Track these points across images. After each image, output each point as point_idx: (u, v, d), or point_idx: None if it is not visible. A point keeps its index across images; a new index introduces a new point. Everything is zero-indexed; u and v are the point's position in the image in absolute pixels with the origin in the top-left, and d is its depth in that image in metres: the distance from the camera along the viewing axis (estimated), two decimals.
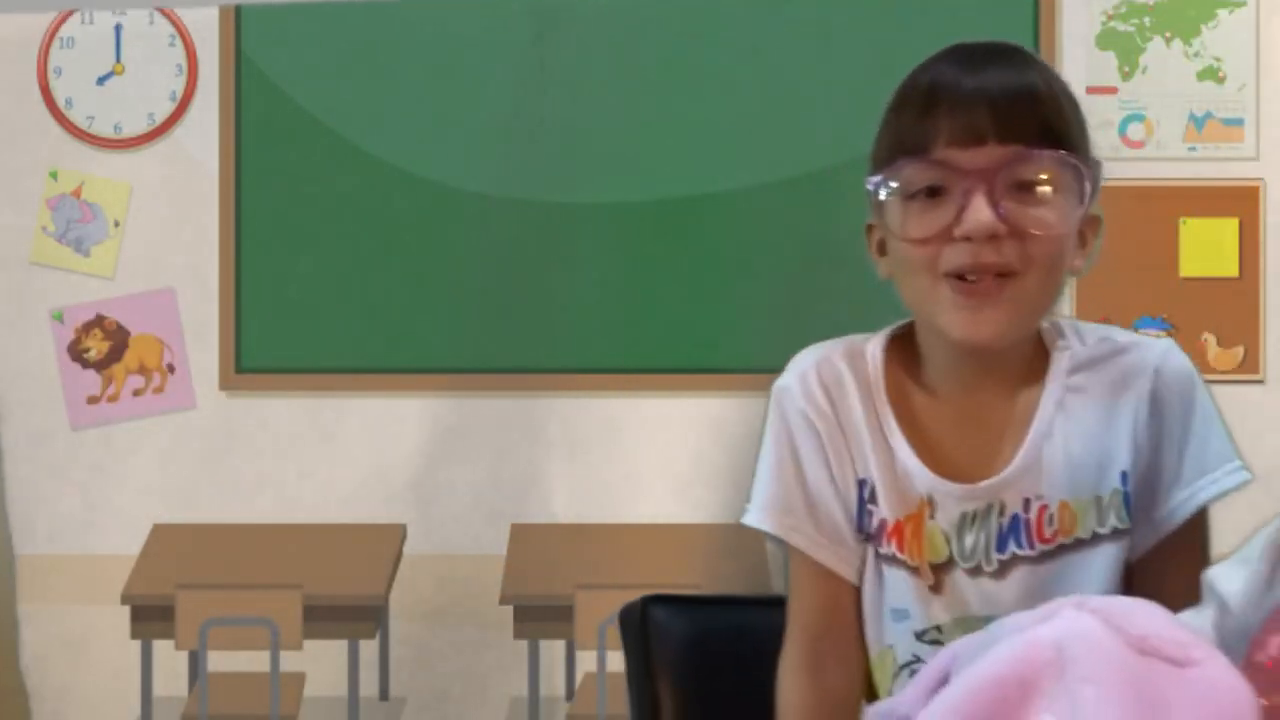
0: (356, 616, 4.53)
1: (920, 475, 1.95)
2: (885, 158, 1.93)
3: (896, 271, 1.93)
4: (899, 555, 1.97)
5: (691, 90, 4.92)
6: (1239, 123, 4.86)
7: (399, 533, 4.82)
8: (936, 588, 1.95)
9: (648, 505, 4.89)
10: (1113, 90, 4.92)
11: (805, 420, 2.00)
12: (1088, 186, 1.89)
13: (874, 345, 2.01)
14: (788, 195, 4.79)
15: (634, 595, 2.27)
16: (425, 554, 4.87)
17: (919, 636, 1.95)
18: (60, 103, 4.95)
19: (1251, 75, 4.83)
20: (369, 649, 4.75)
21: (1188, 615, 1.61)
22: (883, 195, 1.91)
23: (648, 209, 4.91)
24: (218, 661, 4.46)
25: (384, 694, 4.93)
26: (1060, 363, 1.97)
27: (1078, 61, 4.91)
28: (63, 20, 4.94)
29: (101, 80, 4.96)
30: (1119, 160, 4.93)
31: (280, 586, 4.36)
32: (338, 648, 4.57)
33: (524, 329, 4.92)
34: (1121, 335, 1.99)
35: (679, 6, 4.92)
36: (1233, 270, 4.88)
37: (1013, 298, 1.88)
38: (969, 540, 1.93)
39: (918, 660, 1.94)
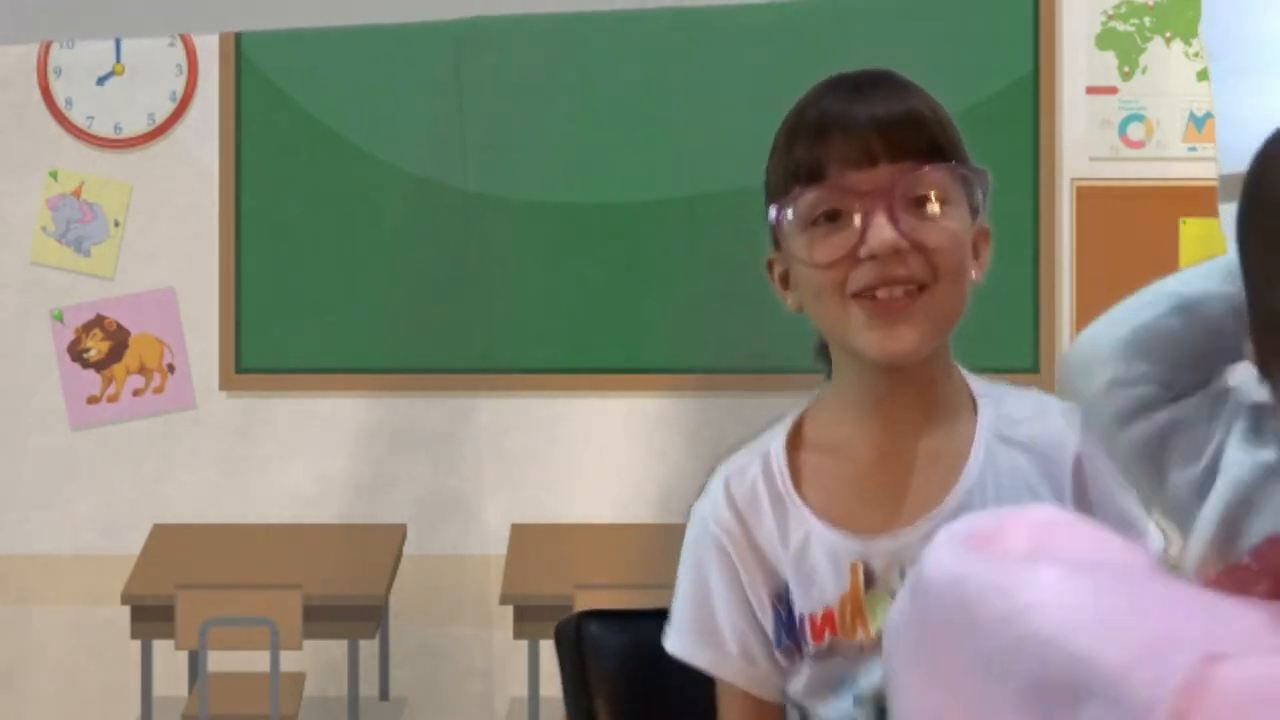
0: (356, 616, 4.53)
1: (844, 547, 1.95)
2: (782, 188, 1.98)
3: (806, 300, 1.97)
4: (838, 640, 1.96)
5: (676, 96, 4.92)
6: None
7: (399, 533, 4.82)
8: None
9: (645, 506, 4.89)
10: (1113, 90, 4.92)
11: (716, 544, 2.00)
12: (979, 196, 1.95)
13: (777, 440, 2.02)
14: (732, 202, 4.79)
15: (634, 595, 2.27)
16: (425, 554, 4.87)
17: (857, 701, 1.95)
18: (60, 103, 4.95)
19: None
20: (369, 649, 4.75)
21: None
22: (785, 225, 1.96)
23: (647, 209, 4.91)
24: (218, 661, 4.46)
25: (384, 694, 4.93)
26: (987, 410, 1.99)
27: (1078, 61, 4.91)
28: None
29: (101, 80, 4.96)
30: (1119, 160, 4.93)
31: (280, 586, 4.36)
32: (338, 648, 4.58)
33: (525, 329, 4.92)
34: (1038, 400, 2.02)
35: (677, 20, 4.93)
36: None
37: (924, 310, 1.92)
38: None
39: None
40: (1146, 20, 4.92)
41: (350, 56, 4.94)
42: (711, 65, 4.92)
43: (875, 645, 1.92)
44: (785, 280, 2.01)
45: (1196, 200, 4.87)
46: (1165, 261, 4.91)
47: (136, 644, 4.55)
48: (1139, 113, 4.92)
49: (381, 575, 4.59)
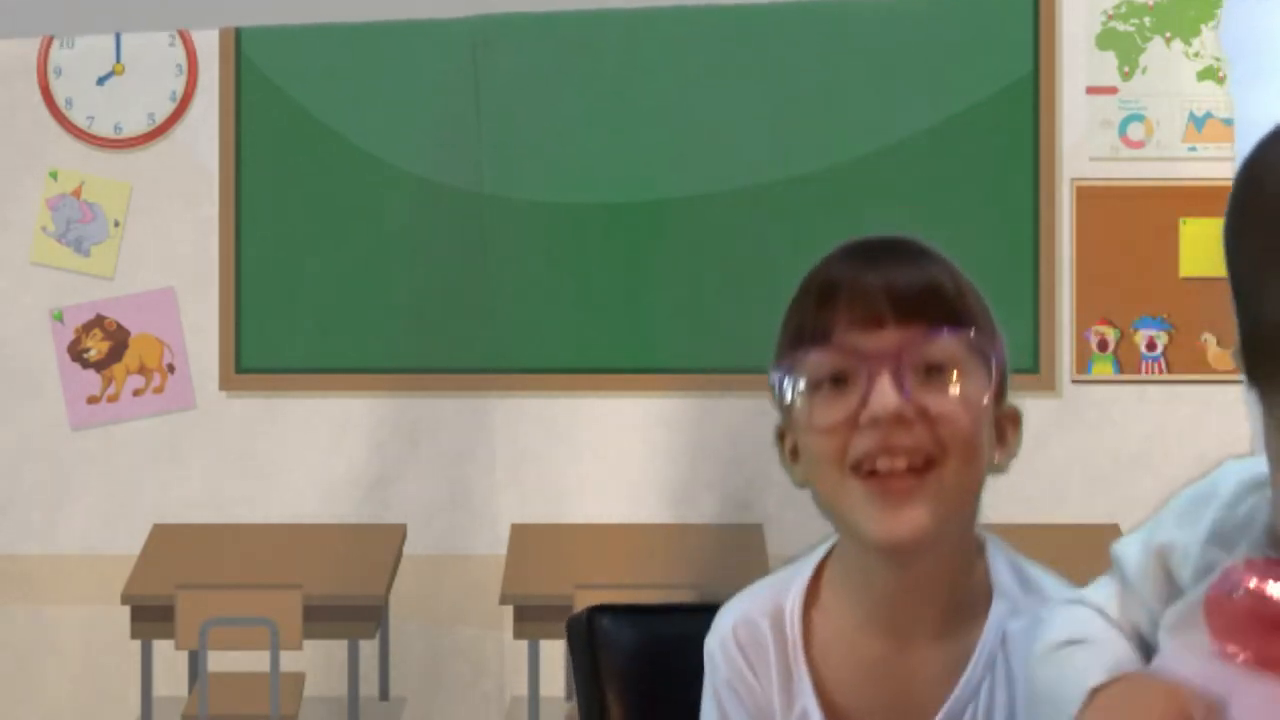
0: (356, 616, 4.53)
1: None
2: (787, 349, 1.87)
3: (810, 472, 1.85)
4: None
5: (684, 96, 4.92)
6: None
7: (399, 533, 4.82)
8: None
9: (649, 506, 4.89)
10: (1113, 90, 4.92)
11: (730, 688, 1.95)
12: (995, 370, 1.83)
13: (794, 597, 1.94)
14: (739, 202, 4.79)
15: (635, 595, 2.28)
16: (425, 554, 4.87)
17: None
18: (60, 103, 4.95)
19: (1251, 75, 4.83)
20: (369, 649, 4.75)
21: (1094, 587, 1.62)
22: (787, 389, 1.85)
23: (650, 209, 4.91)
24: (218, 661, 4.46)
25: (384, 694, 4.93)
26: (999, 611, 1.87)
27: (1078, 61, 4.91)
28: None
29: (101, 80, 4.96)
30: (1119, 160, 4.93)
31: (280, 586, 4.36)
32: (338, 648, 4.58)
33: (527, 329, 4.92)
34: (1035, 574, 1.91)
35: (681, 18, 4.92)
36: None
37: (932, 491, 1.79)
38: None
39: None
40: (1146, 20, 4.92)
41: (350, 56, 4.94)
42: (720, 66, 4.91)
43: None
44: (795, 453, 1.88)
45: (1196, 200, 4.87)
46: (1165, 261, 4.91)
47: (136, 644, 4.55)
48: (1139, 113, 4.92)
49: (381, 575, 4.59)
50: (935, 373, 1.80)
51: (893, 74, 4.86)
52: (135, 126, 4.96)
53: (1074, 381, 4.87)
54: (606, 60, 4.94)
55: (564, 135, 4.93)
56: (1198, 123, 4.91)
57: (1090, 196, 4.90)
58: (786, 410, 1.86)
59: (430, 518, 4.93)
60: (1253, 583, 1.44)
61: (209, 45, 4.94)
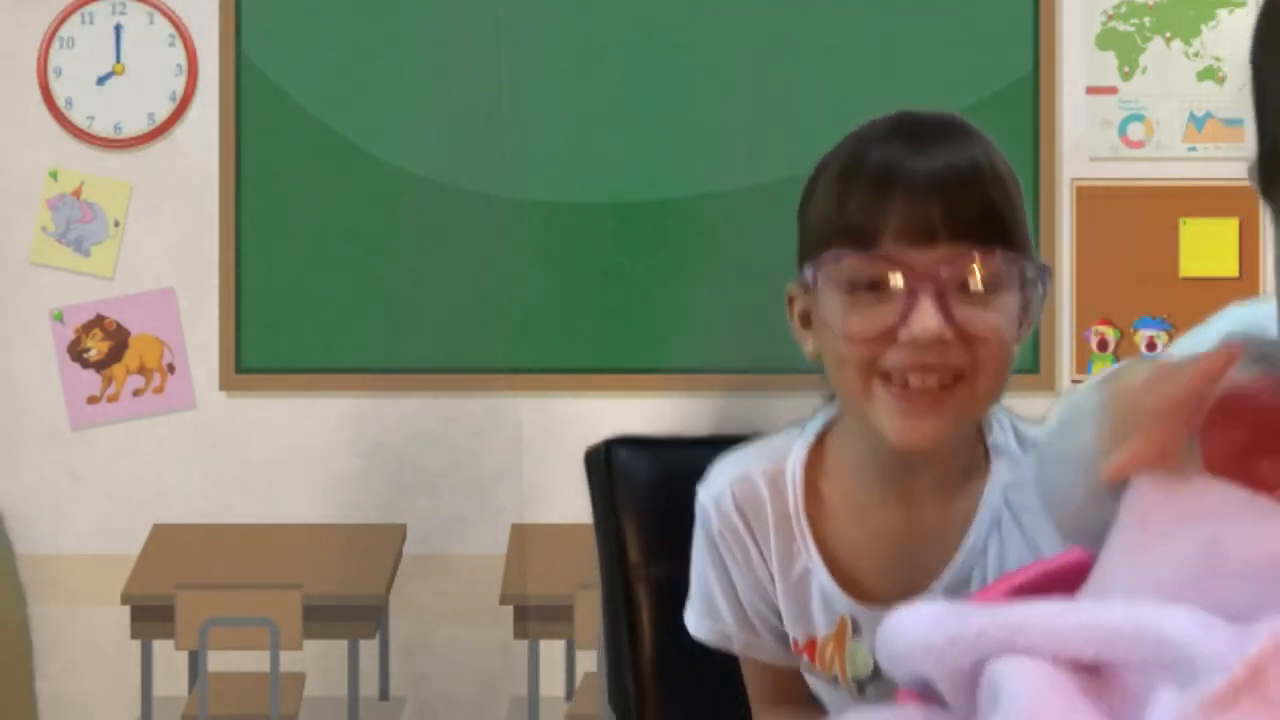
0: (356, 616, 4.53)
1: (839, 599, 1.88)
2: (823, 239, 1.79)
3: (827, 359, 1.81)
4: (813, 669, 1.93)
5: (674, 92, 4.92)
6: (1239, 123, 4.86)
7: (399, 533, 4.82)
8: (860, 692, 1.91)
9: None
10: (1113, 90, 4.92)
11: (724, 540, 1.94)
12: (1041, 290, 1.80)
13: (794, 459, 1.91)
14: (741, 201, 4.79)
15: None
16: (425, 554, 4.87)
17: None
18: (60, 103, 4.95)
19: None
20: (369, 649, 4.75)
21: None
22: (820, 279, 1.78)
23: (651, 208, 4.91)
24: (218, 661, 4.46)
25: (384, 694, 4.93)
26: (999, 471, 1.86)
27: (1078, 61, 4.91)
28: (63, 20, 4.95)
29: (101, 80, 4.96)
30: (1119, 160, 4.93)
31: (280, 586, 4.36)
32: (338, 648, 4.58)
33: (527, 328, 4.92)
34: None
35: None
36: (1233, 270, 4.88)
37: (957, 404, 1.77)
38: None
39: None
40: (1146, 20, 4.92)
41: (351, 56, 4.94)
42: (720, 65, 4.92)
43: (849, 687, 1.91)
44: (806, 320, 1.84)
45: (1196, 200, 4.87)
46: (1165, 261, 4.91)
47: (136, 644, 4.55)
48: (1139, 113, 4.92)
49: (381, 575, 4.59)
50: (978, 291, 1.75)
51: (892, 73, 4.86)
52: (135, 126, 4.96)
53: (1074, 381, 4.87)
54: (608, 60, 4.94)
55: (565, 135, 4.93)
56: (1198, 123, 4.91)
57: (1090, 196, 4.90)
58: (811, 294, 1.80)
59: (430, 518, 4.93)
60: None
61: (209, 45, 4.95)
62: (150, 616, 4.43)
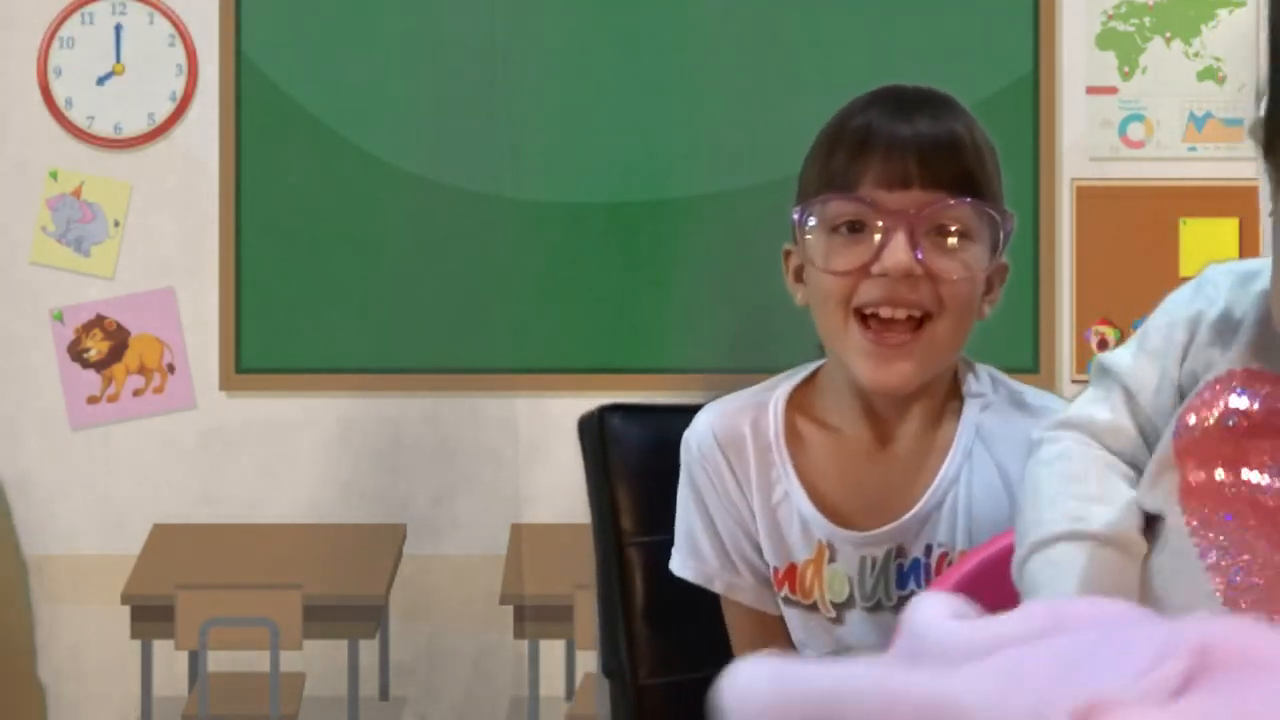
0: (356, 616, 4.53)
1: (817, 523, 2.00)
2: (812, 191, 1.98)
3: (813, 301, 1.99)
4: (792, 597, 2.03)
5: (671, 91, 4.92)
6: (1239, 123, 4.86)
7: (399, 533, 4.82)
8: (838, 620, 2.01)
9: None
10: (1113, 90, 4.92)
11: (705, 476, 2.06)
12: (1000, 236, 1.97)
13: (778, 396, 2.07)
14: (745, 202, 4.79)
15: None
16: (425, 554, 4.87)
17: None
18: (60, 103, 4.95)
19: (1251, 75, 4.83)
20: (369, 649, 4.75)
21: (1086, 404, 1.63)
22: (806, 225, 1.97)
23: (652, 208, 4.91)
24: (218, 661, 4.46)
25: (384, 694, 4.93)
26: (972, 410, 2.01)
27: (1078, 61, 4.91)
28: (63, 20, 4.95)
29: (101, 80, 4.96)
30: (1119, 160, 4.93)
31: (280, 586, 4.36)
32: (338, 648, 4.58)
33: (527, 328, 4.92)
34: (1032, 396, 2.05)
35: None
36: None
37: (924, 345, 1.93)
38: (869, 582, 1.99)
39: None
40: (1146, 20, 4.92)
41: (351, 56, 4.94)
42: (720, 64, 4.92)
43: (828, 614, 2.02)
44: (799, 275, 2.03)
45: (1196, 200, 4.87)
46: (1165, 261, 4.91)
47: (136, 644, 4.55)
48: (1139, 113, 4.92)
49: (381, 575, 4.59)
50: (946, 233, 1.94)
51: (892, 73, 4.85)
52: (135, 126, 4.96)
53: (1074, 381, 4.87)
54: (606, 60, 4.94)
55: (564, 136, 4.93)
56: (1198, 123, 4.91)
57: (1090, 196, 4.90)
58: (802, 241, 2.00)
59: (430, 518, 4.93)
60: (1225, 402, 1.45)
61: (209, 45, 4.95)
62: (150, 616, 4.44)
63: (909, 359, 1.93)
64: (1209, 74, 4.90)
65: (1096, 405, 1.62)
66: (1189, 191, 4.88)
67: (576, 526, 4.87)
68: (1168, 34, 4.91)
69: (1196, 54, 4.90)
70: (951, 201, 1.93)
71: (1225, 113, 4.88)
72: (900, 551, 2.00)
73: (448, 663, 4.97)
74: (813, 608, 2.02)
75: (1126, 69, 4.92)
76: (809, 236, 1.98)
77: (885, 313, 1.92)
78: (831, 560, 2.00)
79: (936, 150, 1.95)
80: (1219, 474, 1.44)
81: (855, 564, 1.99)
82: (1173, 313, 1.59)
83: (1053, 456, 1.60)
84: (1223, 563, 1.41)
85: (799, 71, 4.89)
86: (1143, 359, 1.59)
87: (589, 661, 4.44)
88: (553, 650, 4.70)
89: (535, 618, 4.46)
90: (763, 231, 4.95)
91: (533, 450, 4.93)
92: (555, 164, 4.93)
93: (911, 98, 2.03)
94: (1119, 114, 4.92)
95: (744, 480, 2.04)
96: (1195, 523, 1.45)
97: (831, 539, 2.00)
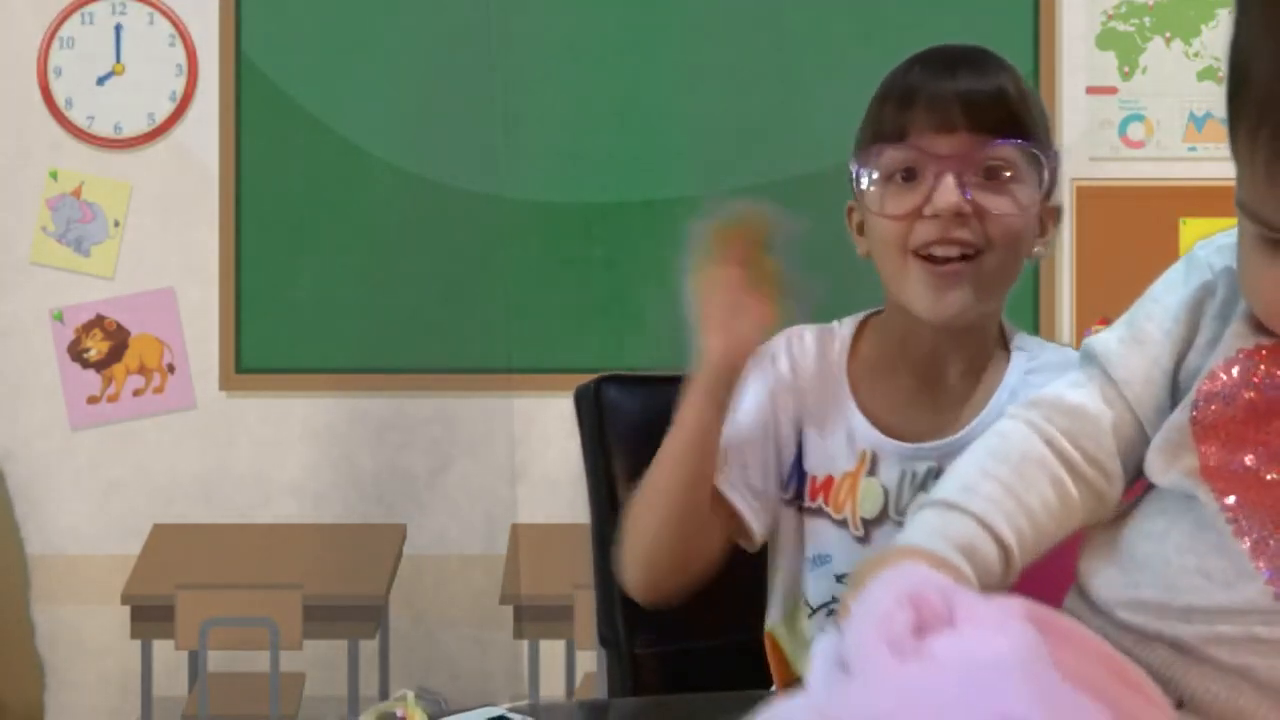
0: (356, 616, 4.53)
1: (864, 432, 2.12)
2: (867, 144, 2.12)
3: (874, 248, 2.14)
4: (825, 508, 2.12)
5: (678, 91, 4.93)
6: None
7: (399, 533, 4.82)
8: (865, 539, 2.11)
9: None
10: (1113, 90, 4.92)
11: (762, 374, 2.18)
12: (1047, 175, 2.09)
13: (847, 325, 2.22)
14: (756, 200, 4.79)
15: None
16: (425, 554, 4.87)
17: (840, 579, 2.10)
18: (60, 103, 4.95)
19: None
20: (369, 649, 4.75)
21: (1066, 381, 1.64)
22: (863, 178, 2.11)
23: (652, 207, 4.91)
24: (218, 661, 4.46)
25: (384, 694, 4.93)
26: (1019, 359, 2.14)
27: (1078, 61, 4.91)
28: (63, 20, 4.95)
29: (101, 80, 4.96)
30: (1119, 160, 4.93)
31: (280, 586, 4.36)
32: (338, 648, 4.58)
33: (526, 328, 4.92)
34: (1074, 353, 2.14)
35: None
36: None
37: (975, 278, 2.06)
38: (906, 495, 2.10)
39: (835, 601, 2.10)
40: (1146, 20, 4.92)
41: (351, 56, 4.94)
42: (719, 64, 4.92)
43: (856, 533, 2.12)
44: (861, 228, 2.17)
45: (1196, 200, 4.87)
46: (1165, 262, 4.90)
47: (136, 644, 4.55)
48: (1139, 113, 4.92)
49: (381, 575, 4.59)
50: (994, 174, 2.06)
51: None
52: (135, 126, 4.96)
53: None
54: (606, 60, 4.94)
55: (564, 135, 4.93)
56: (1198, 123, 4.91)
57: (1090, 196, 4.90)
58: (860, 194, 2.14)
59: (430, 518, 4.93)
60: (1235, 371, 1.45)
61: (209, 45, 4.95)
62: (150, 616, 4.44)
63: (963, 288, 2.05)
64: (1209, 74, 4.90)
65: (1072, 388, 1.62)
66: (1189, 191, 4.88)
67: (576, 527, 4.87)
68: (1168, 34, 4.91)
69: (1196, 54, 4.90)
70: (997, 142, 2.04)
71: (1225, 113, 4.88)
72: (940, 474, 2.08)
73: (448, 663, 4.97)
74: (842, 523, 2.11)
75: (1126, 69, 4.92)
76: (865, 187, 2.11)
77: (939, 251, 2.05)
78: (871, 473, 2.10)
79: (980, 98, 2.06)
80: (1248, 459, 1.43)
81: (895, 477, 2.09)
82: (1165, 299, 1.59)
83: (995, 431, 1.60)
84: (1270, 543, 1.40)
85: (799, 72, 4.89)
86: (1133, 348, 1.58)
87: (589, 661, 4.44)
88: (553, 650, 4.70)
89: (535, 618, 4.46)
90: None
91: (533, 450, 4.93)
92: (555, 164, 4.93)
93: (956, 54, 2.14)
94: (1119, 114, 4.92)
95: (802, 384, 2.16)
96: (1230, 501, 1.44)
97: (877, 449, 2.10)
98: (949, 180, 2.03)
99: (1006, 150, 2.06)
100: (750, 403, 2.17)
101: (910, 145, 2.07)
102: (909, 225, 2.07)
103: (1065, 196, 4.91)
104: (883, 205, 2.09)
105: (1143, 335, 1.60)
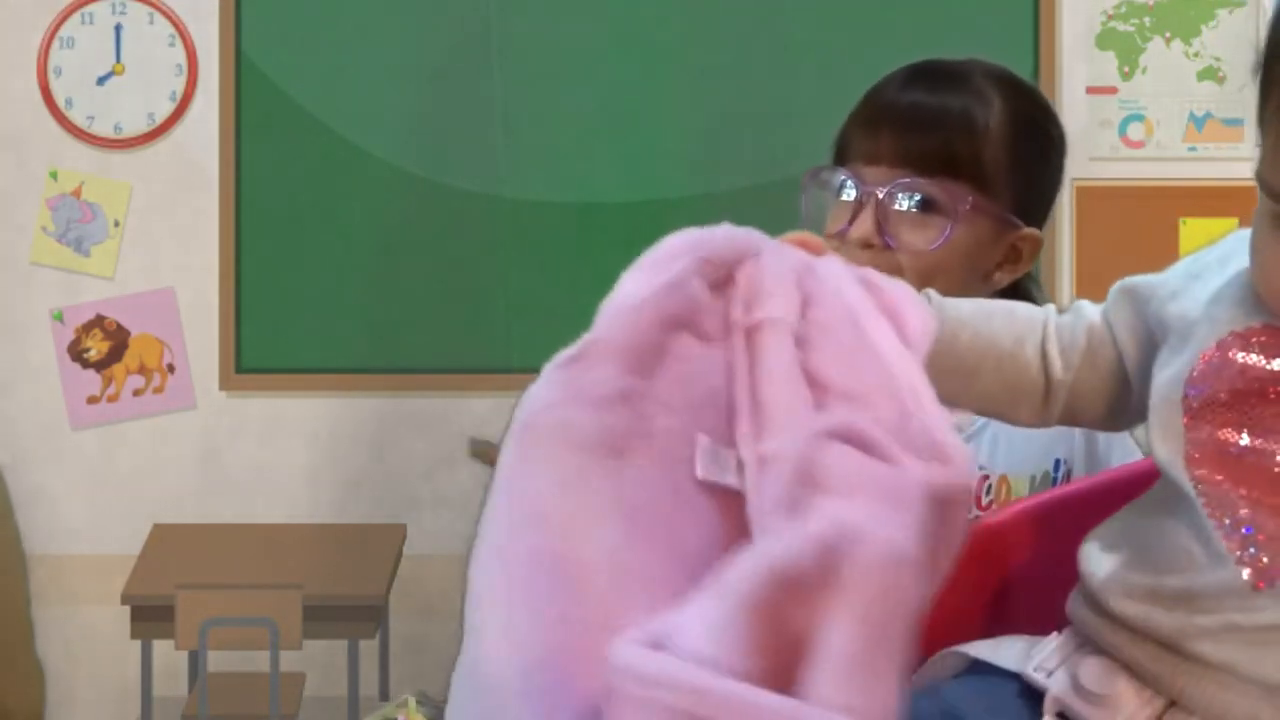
0: (356, 616, 4.53)
1: None
2: (832, 158, 2.18)
3: None
4: None
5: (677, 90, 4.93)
6: (1239, 123, 4.86)
7: (399, 533, 4.82)
8: None
9: None
10: (1113, 90, 4.92)
11: None
12: (998, 210, 2.09)
13: None
14: (744, 202, 4.79)
15: None
16: (425, 554, 4.87)
17: None
18: (60, 103, 4.95)
19: (1251, 75, 4.83)
20: (369, 649, 4.75)
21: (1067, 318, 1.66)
22: (809, 188, 2.18)
23: (647, 209, 4.91)
24: (218, 661, 4.46)
25: (384, 694, 4.93)
26: None
27: (1078, 61, 4.91)
28: (63, 20, 4.95)
29: (101, 80, 4.96)
30: (1119, 160, 4.93)
31: (280, 586, 4.36)
32: (338, 648, 4.58)
33: (526, 328, 4.92)
34: None
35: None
36: None
37: None
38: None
39: None
40: (1146, 20, 4.92)
41: (351, 56, 4.94)
42: (719, 64, 4.92)
43: None
44: None
45: (1196, 200, 4.87)
46: (1165, 261, 4.90)
47: (136, 644, 4.55)
48: (1139, 113, 4.92)
49: (381, 575, 4.59)
50: (927, 206, 2.08)
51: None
52: (135, 126, 4.96)
53: None
54: (605, 60, 4.94)
55: (564, 136, 4.93)
56: (1198, 123, 4.91)
57: (1090, 196, 4.90)
58: (805, 201, 2.20)
59: (430, 518, 4.94)
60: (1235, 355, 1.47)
61: (209, 45, 4.95)
62: (150, 616, 4.44)
63: None
64: (1209, 74, 4.90)
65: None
66: (1189, 191, 4.88)
67: None
68: (1168, 34, 4.91)
69: (1196, 54, 4.90)
70: (906, 180, 2.06)
71: (1225, 113, 4.88)
72: None
73: (448, 663, 4.96)
74: None
75: (1126, 69, 4.92)
76: (825, 198, 2.16)
77: None
78: None
79: (913, 126, 2.09)
80: (1243, 438, 1.44)
81: None
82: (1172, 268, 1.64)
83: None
84: (1243, 528, 1.41)
85: (798, 72, 4.89)
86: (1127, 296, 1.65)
87: None
88: None
89: None
90: (767, 231, 4.94)
91: None
92: (555, 164, 4.93)
93: (928, 71, 2.15)
94: (1119, 114, 4.92)
95: None
96: (1209, 483, 1.45)
97: None
98: (867, 211, 2.08)
99: (925, 186, 2.07)
100: None
101: (842, 170, 2.13)
102: (836, 244, 2.10)
103: (1065, 196, 4.90)
104: (828, 219, 2.14)
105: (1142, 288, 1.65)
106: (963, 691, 1.44)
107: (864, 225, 2.08)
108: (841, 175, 2.12)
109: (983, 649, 1.46)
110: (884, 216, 2.08)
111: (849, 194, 2.10)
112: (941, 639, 1.47)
